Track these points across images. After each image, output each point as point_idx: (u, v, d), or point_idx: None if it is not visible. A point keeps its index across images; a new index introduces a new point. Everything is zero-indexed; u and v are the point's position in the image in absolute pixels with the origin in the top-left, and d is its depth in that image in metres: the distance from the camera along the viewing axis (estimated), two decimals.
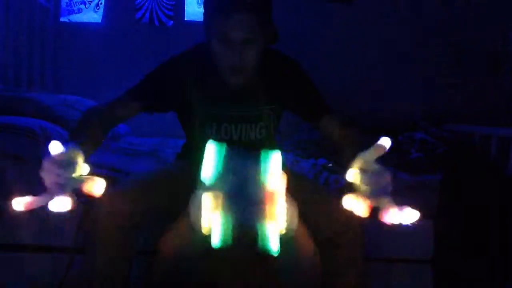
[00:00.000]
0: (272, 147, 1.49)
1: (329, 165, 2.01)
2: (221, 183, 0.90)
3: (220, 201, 0.89)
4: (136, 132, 2.73)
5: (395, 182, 1.86)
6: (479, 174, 1.80)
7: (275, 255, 0.90)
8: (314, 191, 1.38)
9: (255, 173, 0.92)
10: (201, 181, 0.92)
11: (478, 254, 1.70)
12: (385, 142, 0.88)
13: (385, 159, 2.20)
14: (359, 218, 1.32)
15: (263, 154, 0.93)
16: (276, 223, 0.90)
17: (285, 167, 1.54)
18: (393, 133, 2.45)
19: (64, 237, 1.64)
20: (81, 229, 1.61)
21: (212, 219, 0.89)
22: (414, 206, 1.80)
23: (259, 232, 0.90)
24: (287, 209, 0.94)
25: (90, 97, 2.50)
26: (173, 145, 2.23)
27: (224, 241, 0.89)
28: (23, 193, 0.91)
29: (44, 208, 1.69)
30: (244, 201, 0.90)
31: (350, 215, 1.31)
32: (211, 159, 0.92)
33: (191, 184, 1.38)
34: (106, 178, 1.66)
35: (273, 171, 0.91)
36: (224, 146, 0.94)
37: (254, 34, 1.22)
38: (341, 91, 2.90)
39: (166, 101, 1.38)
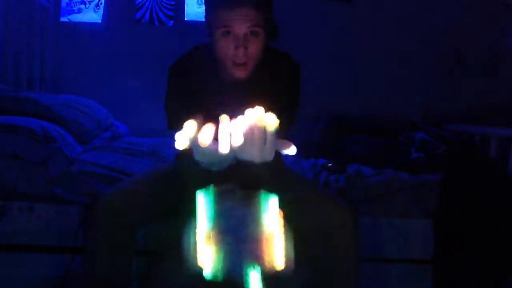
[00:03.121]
0: None
1: (329, 165, 2.01)
2: (216, 221, 0.91)
3: (213, 236, 0.89)
4: (136, 132, 2.73)
5: (395, 182, 1.87)
6: (479, 174, 1.80)
7: None
8: (311, 191, 1.38)
9: (251, 213, 0.92)
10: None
11: (478, 254, 1.70)
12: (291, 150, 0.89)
13: (385, 159, 2.20)
14: (354, 218, 1.33)
15: (259, 196, 0.93)
16: (270, 265, 0.89)
17: (285, 167, 1.54)
18: (393, 133, 2.45)
19: (64, 237, 1.64)
20: (81, 229, 1.62)
21: (205, 253, 0.89)
22: (414, 206, 1.81)
23: (248, 275, 0.89)
24: (284, 248, 0.93)
25: (90, 97, 2.50)
26: (173, 145, 2.23)
27: (214, 274, 0.88)
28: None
29: (44, 208, 1.69)
30: (238, 238, 0.90)
31: (345, 215, 1.32)
32: (204, 208, 0.92)
33: (190, 184, 1.38)
34: (106, 178, 1.67)
35: (270, 213, 0.91)
36: (211, 191, 0.94)
37: (257, 28, 1.24)
38: (341, 91, 2.90)
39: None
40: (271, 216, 0.91)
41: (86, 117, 2.19)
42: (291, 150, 0.88)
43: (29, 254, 1.66)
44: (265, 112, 1.33)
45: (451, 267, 1.70)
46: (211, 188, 0.95)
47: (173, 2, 2.91)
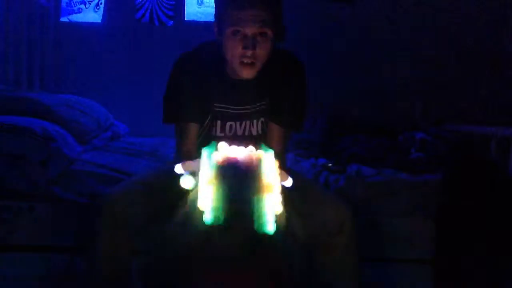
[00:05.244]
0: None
1: (329, 165, 2.01)
2: (218, 170, 0.93)
3: (215, 174, 0.91)
4: (136, 132, 2.73)
5: (395, 182, 1.87)
6: (479, 174, 1.80)
7: (270, 233, 0.90)
8: (310, 191, 1.39)
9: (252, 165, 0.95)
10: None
11: (478, 254, 1.70)
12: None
13: (385, 159, 2.19)
14: (353, 218, 1.33)
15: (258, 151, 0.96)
16: (272, 198, 0.91)
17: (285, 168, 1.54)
18: (393, 133, 2.45)
19: (64, 237, 1.64)
20: (81, 229, 1.62)
21: (207, 193, 0.90)
22: (414, 206, 1.81)
23: (255, 209, 0.90)
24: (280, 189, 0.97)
25: (90, 97, 2.50)
26: (173, 145, 2.23)
27: (216, 216, 0.89)
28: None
29: (44, 208, 1.69)
30: (239, 174, 0.92)
31: (345, 216, 1.32)
32: (207, 160, 0.94)
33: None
34: (106, 178, 1.67)
35: (269, 168, 0.94)
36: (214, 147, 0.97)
37: (267, 29, 1.25)
38: (341, 91, 2.90)
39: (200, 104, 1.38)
40: (270, 170, 0.94)
41: (86, 117, 2.20)
42: (288, 182, 0.99)
43: (29, 254, 1.66)
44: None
45: (452, 267, 1.70)
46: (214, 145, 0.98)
47: (173, 2, 2.91)
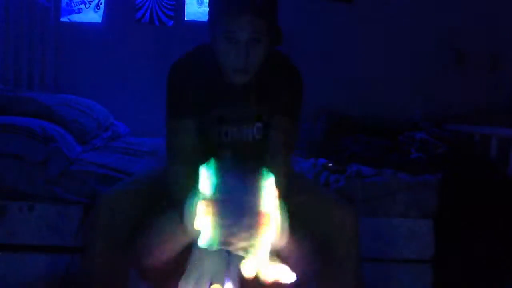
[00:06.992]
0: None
1: (329, 165, 2.01)
2: (217, 192, 0.93)
3: (214, 207, 0.91)
4: (136, 132, 2.73)
5: (395, 182, 1.87)
6: (479, 174, 1.80)
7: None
8: (310, 192, 1.38)
9: (251, 189, 0.94)
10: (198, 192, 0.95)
11: (478, 254, 1.70)
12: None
13: (385, 159, 2.19)
14: (354, 218, 1.33)
15: (259, 174, 0.96)
16: (265, 239, 0.92)
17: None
18: (393, 133, 2.45)
19: (64, 237, 1.64)
20: (81, 229, 1.62)
21: (204, 223, 0.91)
22: (414, 206, 1.81)
23: (250, 241, 0.91)
24: (279, 226, 0.97)
25: (90, 97, 2.50)
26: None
27: (211, 244, 0.91)
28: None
29: (44, 208, 1.69)
30: (237, 210, 0.92)
31: (346, 215, 1.32)
32: (205, 179, 0.95)
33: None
34: (106, 178, 1.67)
35: (268, 192, 0.94)
36: (212, 164, 0.97)
37: (260, 35, 1.23)
38: (341, 91, 2.90)
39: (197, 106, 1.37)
40: (268, 194, 0.94)
41: (86, 117, 2.19)
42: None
43: (29, 254, 1.66)
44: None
45: (451, 267, 1.70)
46: (213, 162, 0.97)
47: (173, 2, 2.91)
